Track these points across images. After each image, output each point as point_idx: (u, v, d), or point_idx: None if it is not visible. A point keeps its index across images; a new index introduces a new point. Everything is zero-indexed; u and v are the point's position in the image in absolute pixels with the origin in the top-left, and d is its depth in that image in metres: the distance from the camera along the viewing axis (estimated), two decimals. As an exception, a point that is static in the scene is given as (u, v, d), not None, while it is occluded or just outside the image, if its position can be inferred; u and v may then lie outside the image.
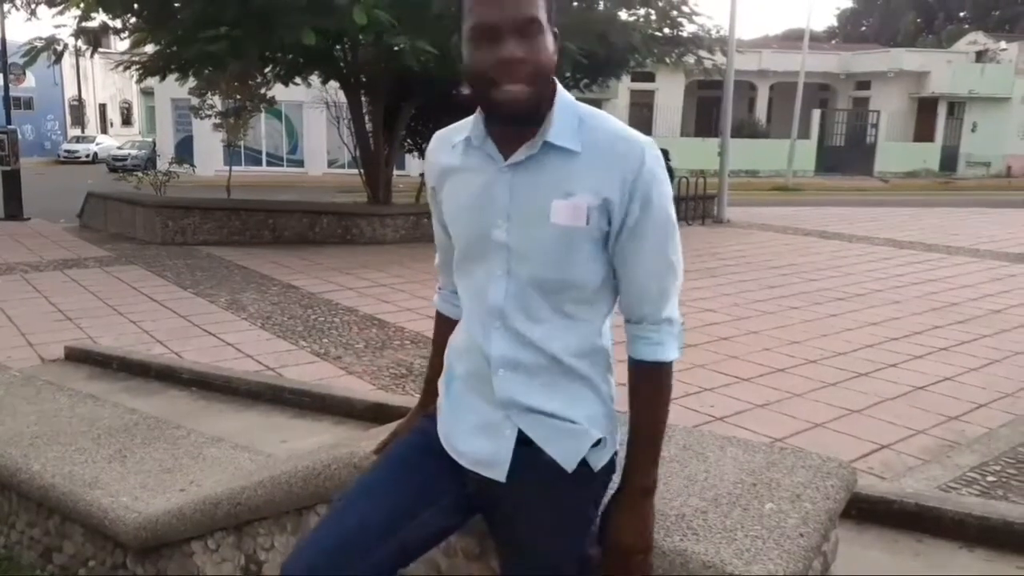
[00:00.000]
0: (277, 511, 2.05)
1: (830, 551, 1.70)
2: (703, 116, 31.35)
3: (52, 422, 3.05)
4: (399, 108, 11.85)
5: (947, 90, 30.36)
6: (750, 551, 1.41)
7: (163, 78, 11.46)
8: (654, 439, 1.39)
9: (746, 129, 29.03)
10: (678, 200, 10.99)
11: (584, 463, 1.38)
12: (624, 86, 25.41)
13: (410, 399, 4.04)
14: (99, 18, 10.30)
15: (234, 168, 16.38)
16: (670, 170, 2.01)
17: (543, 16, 1.26)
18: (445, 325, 1.61)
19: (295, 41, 8.45)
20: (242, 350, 5.39)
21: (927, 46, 38.00)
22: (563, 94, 1.34)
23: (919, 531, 2.79)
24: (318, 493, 1.92)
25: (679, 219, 1.41)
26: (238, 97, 13.78)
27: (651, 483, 1.39)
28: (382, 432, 1.80)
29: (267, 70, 12.05)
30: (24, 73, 28.75)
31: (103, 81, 40.17)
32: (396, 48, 8.90)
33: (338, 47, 10.79)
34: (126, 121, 44.94)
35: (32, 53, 10.12)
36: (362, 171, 12.53)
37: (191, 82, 12.20)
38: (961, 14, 47.73)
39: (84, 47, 11.71)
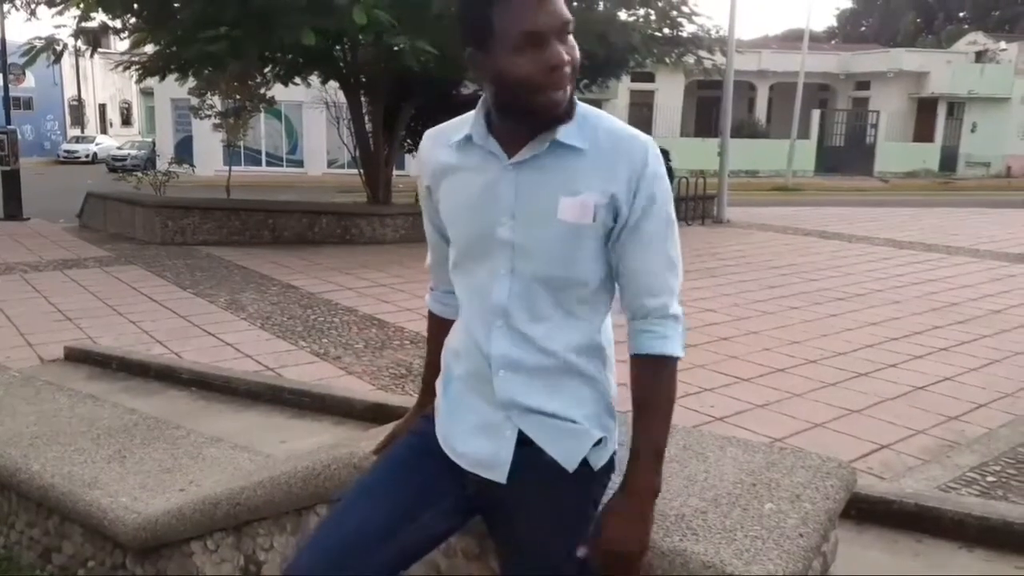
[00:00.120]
0: (276, 511, 2.05)
1: (830, 551, 1.70)
2: (703, 116, 31.35)
3: (52, 422, 3.05)
4: (399, 108, 11.85)
5: (947, 90, 30.38)
6: (750, 551, 1.41)
7: (163, 78, 11.48)
8: (658, 440, 1.36)
9: (746, 129, 29.03)
10: (678, 200, 10.97)
11: (584, 463, 1.38)
12: (624, 86, 25.40)
13: (410, 399, 4.02)
14: (99, 18, 10.29)
15: (234, 168, 16.37)
16: (670, 170, 2.01)
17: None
18: (440, 326, 1.60)
19: (295, 41, 8.44)
20: (241, 350, 5.39)
21: (927, 46, 38.00)
22: None
23: (919, 531, 2.78)
24: (318, 493, 1.92)
25: (679, 219, 1.41)
26: (238, 97, 13.78)
27: (656, 485, 1.36)
28: (382, 432, 1.80)
29: (267, 70, 12.04)
30: (24, 73, 28.75)
31: (103, 81, 40.16)
32: (396, 48, 8.89)
33: (338, 47, 10.79)
34: (126, 121, 44.92)
35: (32, 53, 10.10)
36: (362, 171, 12.53)
37: (191, 82, 12.20)
38: (961, 14, 47.71)
39: (84, 47, 11.67)
